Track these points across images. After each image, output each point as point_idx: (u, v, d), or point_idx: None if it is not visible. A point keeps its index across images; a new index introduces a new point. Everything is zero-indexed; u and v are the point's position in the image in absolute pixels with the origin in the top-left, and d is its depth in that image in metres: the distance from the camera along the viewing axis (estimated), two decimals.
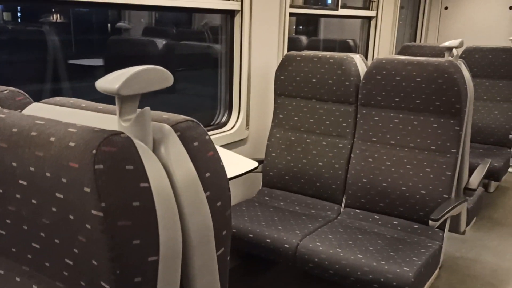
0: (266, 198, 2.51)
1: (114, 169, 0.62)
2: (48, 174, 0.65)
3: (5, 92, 0.93)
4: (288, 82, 2.49)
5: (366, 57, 3.95)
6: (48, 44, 2.15)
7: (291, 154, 2.49)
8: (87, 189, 0.61)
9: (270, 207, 2.41)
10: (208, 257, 0.75)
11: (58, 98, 0.91)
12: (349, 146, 2.37)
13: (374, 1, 3.83)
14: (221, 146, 2.38)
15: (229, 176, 1.66)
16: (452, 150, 2.14)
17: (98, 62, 2.43)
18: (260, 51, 2.59)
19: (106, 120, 0.75)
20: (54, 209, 0.66)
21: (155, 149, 0.71)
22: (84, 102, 0.86)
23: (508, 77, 3.75)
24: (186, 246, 0.72)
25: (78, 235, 0.65)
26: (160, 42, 2.71)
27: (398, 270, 1.80)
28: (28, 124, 0.70)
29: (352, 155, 2.35)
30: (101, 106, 0.83)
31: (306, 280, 2.60)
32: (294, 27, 3.84)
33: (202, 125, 0.78)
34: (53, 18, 2.21)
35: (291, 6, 2.79)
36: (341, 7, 3.50)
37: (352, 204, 2.34)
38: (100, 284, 0.65)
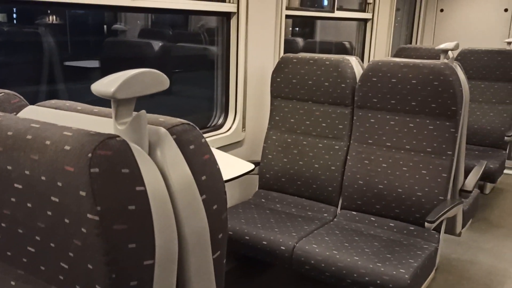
0: (262, 200, 2.51)
1: (109, 172, 0.61)
2: (43, 178, 0.65)
3: (0, 94, 0.93)
4: (285, 84, 2.49)
5: (362, 59, 3.96)
6: (44, 45, 2.15)
7: (287, 156, 2.50)
8: (82, 193, 0.61)
9: (266, 209, 2.40)
10: (204, 261, 0.75)
11: (53, 101, 0.90)
12: (345, 148, 2.38)
13: (370, 3, 3.84)
14: (218, 148, 2.38)
15: (225, 178, 1.65)
16: (448, 152, 2.15)
17: (94, 64, 2.43)
18: (257, 53, 2.59)
19: (102, 123, 0.75)
20: (49, 213, 0.66)
21: (151, 153, 0.71)
22: (79, 105, 0.86)
23: (503, 79, 3.76)
24: (182, 249, 0.71)
25: (73, 238, 0.64)
26: (156, 44, 2.71)
27: (394, 272, 1.80)
28: (23, 127, 0.70)
29: (348, 157, 2.36)
30: (96, 109, 0.83)
31: (303, 283, 2.60)
32: (291, 29, 3.84)
33: (198, 128, 0.78)
34: (48, 20, 2.21)
35: (287, 8, 2.80)
36: (337, 9, 3.51)
37: (348, 206, 2.35)
38: None
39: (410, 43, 5.01)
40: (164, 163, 0.70)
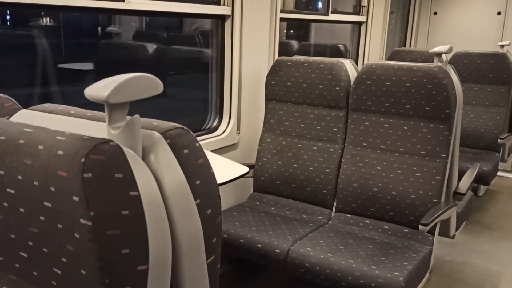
0: (257, 203, 2.51)
1: (103, 177, 0.61)
2: (36, 183, 0.64)
3: None
4: (279, 87, 2.50)
5: (357, 62, 3.98)
6: (38, 48, 2.14)
7: (282, 159, 2.50)
8: (75, 198, 0.60)
9: (261, 212, 2.40)
10: (198, 265, 0.75)
11: (46, 105, 0.90)
12: (339, 151, 2.38)
13: (365, 6, 3.85)
14: (212, 151, 2.38)
15: (220, 181, 1.65)
16: (442, 155, 2.15)
17: (88, 66, 2.42)
18: (251, 56, 2.59)
19: (95, 128, 0.75)
20: (42, 218, 0.66)
21: (144, 157, 0.70)
22: (73, 109, 0.86)
23: (496, 82, 3.79)
24: (176, 254, 0.71)
25: (66, 244, 0.64)
26: (151, 47, 2.71)
27: (388, 275, 1.81)
28: (16, 132, 0.70)
29: (343, 160, 2.36)
30: (90, 113, 0.83)
31: (297, 285, 2.60)
32: (285, 31, 3.85)
33: (192, 132, 0.77)
34: (42, 22, 2.20)
35: (281, 11, 2.80)
36: (332, 12, 3.52)
37: (343, 209, 2.35)
38: None
39: (404, 46, 5.03)
40: (158, 167, 0.70)
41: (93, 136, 0.65)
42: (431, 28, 4.96)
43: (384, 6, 4.05)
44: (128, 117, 0.69)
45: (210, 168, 0.78)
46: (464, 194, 2.30)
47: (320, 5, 3.73)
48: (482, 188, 4.01)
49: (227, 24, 2.48)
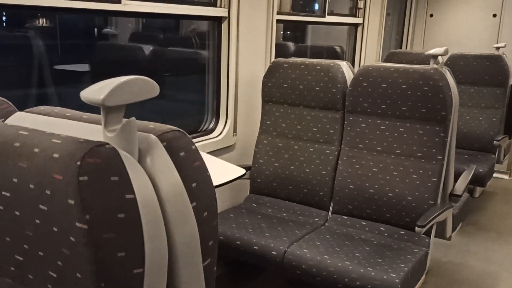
0: (253, 204, 2.51)
1: (98, 180, 0.61)
2: (31, 186, 0.64)
3: None
4: (276, 89, 2.50)
5: (353, 64, 3.98)
6: (34, 49, 2.13)
7: (278, 160, 2.50)
8: (71, 201, 0.60)
9: (257, 214, 2.40)
10: (195, 268, 0.75)
11: (42, 107, 0.90)
12: (336, 153, 2.38)
13: (361, 8, 3.86)
14: (209, 152, 2.37)
15: (216, 183, 1.65)
16: (438, 157, 2.16)
17: (85, 67, 2.42)
18: (248, 57, 2.59)
19: (91, 130, 0.75)
20: (37, 221, 0.65)
21: (140, 160, 0.70)
22: (69, 112, 0.85)
23: (492, 84, 3.80)
24: (172, 257, 0.71)
25: (62, 247, 0.64)
26: (147, 48, 2.70)
27: (385, 277, 1.81)
28: (11, 135, 0.69)
29: (339, 162, 2.36)
30: (86, 115, 0.82)
31: (294, 287, 2.59)
32: (282, 32, 3.86)
33: (188, 135, 0.77)
34: (39, 23, 2.19)
35: (278, 13, 2.81)
36: (328, 14, 3.52)
37: (339, 211, 2.35)
38: None
39: (401, 47, 5.05)
40: (154, 170, 0.70)
41: (89, 139, 0.65)
42: (427, 30, 4.98)
43: (380, 8, 4.06)
44: (124, 120, 0.69)
45: (207, 170, 0.78)
46: (460, 196, 2.31)
47: (316, 7, 3.74)
48: (478, 190, 4.02)
49: (224, 26, 2.48)
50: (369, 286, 1.80)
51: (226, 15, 2.45)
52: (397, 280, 1.79)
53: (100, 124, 0.70)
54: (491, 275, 2.78)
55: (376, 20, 4.05)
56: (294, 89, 2.46)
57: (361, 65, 3.60)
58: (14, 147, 0.67)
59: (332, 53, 4.11)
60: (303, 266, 1.95)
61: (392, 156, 2.25)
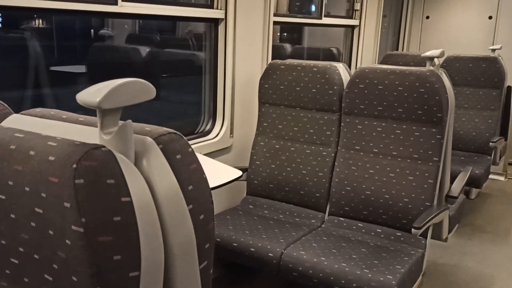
0: (250, 206, 2.51)
1: (94, 183, 0.61)
2: (27, 189, 0.64)
3: None
4: (272, 91, 2.50)
5: (350, 66, 3.99)
6: (30, 50, 2.13)
7: (275, 162, 2.50)
8: (67, 204, 0.60)
9: (254, 216, 2.40)
10: (191, 271, 0.74)
11: (38, 109, 0.89)
12: (333, 155, 2.38)
13: (358, 10, 3.87)
14: (205, 154, 2.37)
15: (213, 185, 1.65)
16: (434, 159, 2.16)
17: (81, 69, 2.41)
18: (244, 59, 2.59)
19: (87, 133, 0.74)
20: (33, 224, 0.65)
21: (137, 163, 0.70)
22: (65, 114, 0.85)
23: (488, 86, 3.81)
24: (168, 260, 0.71)
25: (57, 250, 0.63)
26: (144, 50, 2.70)
27: (381, 279, 1.81)
28: (7, 137, 0.69)
29: (336, 163, 2.36)
30: (82, 118, 0.82)
31: None
32: (279, 34, 3.86)
33: (184, 137, 0.77)
34: (35, 24, 2.19)
35: (275, 15, 2.81)
36: (325, 16, 3.53)
37: (336, 212, 2.35)
38: None
39: (397, 49, 5.06)
40: (150, 173, 0.69)
41: (85, 141, 0.65)
42: (424, 32, 4.99)
43: (377, 10, 4.07)
44: (121, 122, 0.69)
45: (203, 173, 0.78)
46: (456, 197, 2.31)
47: (313, 8, 3.74)
48: (474, 191, 4.04)
49: (221, 28, 2.48)
50: None
51: (223, 16, 2.45)
52: (393, 282, 1.79)
53: (96, 127, 0.69)
54: (488, 277, 2.78)
55: (373, 22, 4.06)
56: (290, 91, 2.46)
57: (357, 67, 3.61)
58: (10, 150, 0.67)
59: (329, 55, 4.12)
60: (300, 268, 1.95)
61: (389, 157, 2.25)
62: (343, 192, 2.32)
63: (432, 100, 2.14)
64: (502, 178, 4.56)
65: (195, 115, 2.66)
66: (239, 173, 1.89)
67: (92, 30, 2.50)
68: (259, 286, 2.65)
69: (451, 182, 2.40)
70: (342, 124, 2.37)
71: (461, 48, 4.42)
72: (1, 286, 0.75)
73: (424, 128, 2.18)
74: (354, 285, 1.82)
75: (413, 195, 2.17)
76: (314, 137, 2.43)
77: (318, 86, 2.39)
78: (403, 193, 2.19)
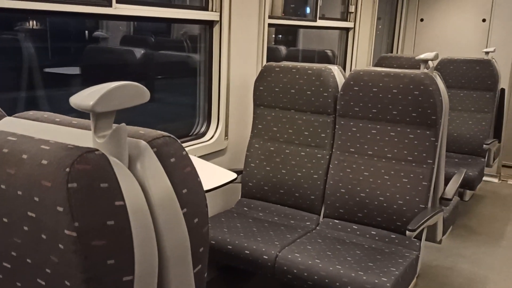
0: (245, 208, 2.51)
1: (88, 187, 0.60)
2: (19, 192, 0.63)
3: None
4: (267, 93, 2.50)
5: (344, 68, 4.00)
6: (23, 51, 2.11)
7: (270, 164, 2.50)
8: (60, 208, 0.60)
9: (249, 218, 2.40)
10: (185, 275, 0.74)
11: (31, 112, 0.89)
12: (327, 157, 2.39)
13: (352, 12, 3.88)
14: (200, 156, 2.37)
15: (207, 188, 1.65)
16: (428, 161, 2.17)
17: (75, 71, 2.40)
18: (239, 61, 2.59)
19: (81, 136, 0.74)
20: (26, 228, 0.65)
21: (131, 166, 0.70)
22: (58, 117, 0.85)
23: (482, 88, 3.84)
24: (162, 264, 0.70)
25: (50, 255, 0.63)
26: (138, 51, 2.69)
27: (376, 281, 1.81)
28: (0, 141, 0.68)
29: (330, 166, 2.37)
30: (75, 120, 0.82)
31: None
32: (274, 36, 3.86)
33: (179, 141, 0.77)
34: (29, 25, 2.18)
35: (270, 17, 2.81)
36: (320, 18, 3.54)
37: (330, 215, 2.35)
38: None
39: (391, 52, 5.08)
40: (144, 176, 0.69)
41: (78, 145, 0.64)
42: (418, 34, 5.01)
43: (371, 12, 4.08)
44: (115, 125, 0.69)
45: (197, 176, 0.77)
46: (450, 200, 2.32)
47: (308, 11, 3.75)
48: (468, 193, 4.05)
49: (215, 30, 2.48)
50: None
51: (218, 19, 2.45)
52: (388, 284, 1.79)
53: (90, 130, 0.69)
54: (482, 278, 2.79)
55: (367, 25, 4.07)
56: (285, 93, 2.46)
57: (352, 69, 3.62)
58: (2, 153, 0.66)
59: (324, 57, 4.13)
60: (295, 271, 1.95)
61: (383, 160, 2.26)
62: (338, 194, 2.32)
63: (426, 102, 2.14)
64: (495, 180, 4.58)
65: (190, 117, 2.66)
66: (234, 175, 1.88)
67: (86, 32, 2.49)
68: None
69: (445, 184, 2.41)
70: (336, 126, 2.37)
71: (455, 51, 4.44)
72: None
73: (418, 131, 2.19)
74: (349, 287, 1.83)
75: (407, 197, 2.17)
76: (309, 140, 2.43)
77: (313, 88, 2.39)
78: (397, 195, 2.19)
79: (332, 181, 2.34)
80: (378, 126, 2.27)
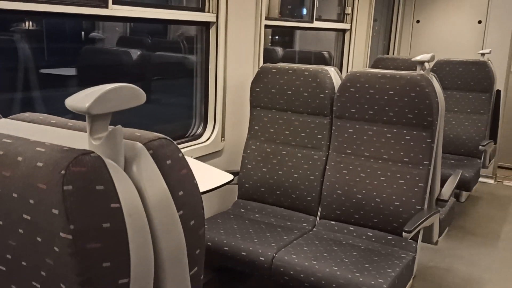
0: (241, 210, 2.50)
1: (83, 190, 0.60)
2: (15, 195, 0.63)
3: None
4: (264, 94, 2.50)
5: (341, 69, 4.01)
6: (19, 52, 2.11)
7: (266, 166, 2.50)
8: (55, 211, 0.59)
9: (245, 219, 2.40)
10: (181, 278, 0.74)
11: (27, 114, 0.88)
12: (324, 158, 2.39)
13: (349, 14, 3.89)
14: (196, 158, 2.36)
15: (204, 189, 1.64)
16: (425, 162, 2.18)
17: (71, 71, 2.39)
18: (236, 63, 2.59)
19: (76, 138, 0.74)
20: (21, 231, 0.64)
21: (126, 168, 0.69)
22: (54, 119, 0.84)
23: (477, 90, 3.85)
24: (158, 267, 0.70)
25: (46, 257, 0.63)
26: (135, 53, 2.69)
27: (372, 282, 1.81)
28: None
29: (327, 167, 2.37)
30: (71, 122, 0.81)
31: None
32: (270, 37, 3.86)
33: (175, 143, 0.77)
34: (25, 26, 2.17)
35: (266, 19, 2.81)
36: (316, 19, 3.54)
37: (327, 216, 2.35)
38: None
39: (388, 53, 5.09)
40: (140, 179, 0.69)
41: (74, 147, 0.64)
42: (414, 36, 5.03)
43: (367, 13, 4.09)
44: (110, 127, 0.68)
45: (194, 178, 0.77)
46: (446, 201, 2.33)
47: (304, 12, 3.76)
48: (464, 194, 4.07)
49: (212, 31, 2.47)
50: None
51: (214, 20, 2.45)
52: (384, 286, 1.79)
53: (86, 132, 0.69)
54: (478, 279, 2.80)
55: (364, 26, 4.08)
56: (282, 95, 2.46)
57: (348, 70, 3.63)
58: None
59: (320, 59, 4.13)
60: (291, 272, 1.95)
61: (380, 161, 2.26)
62: (335, 196, 2.32)
63: (423, 104, 2.15)
64: (491, 181, 4.60)
65: (187, 118, 2.66)
66: (230, 177, 1.88)
67: (82, 33, 2.49)
68: None
69: (442, 185, 2.42)
70: (333, 127, 2.37)
71: (451, 52, 4.46)
72: None
73: (414, 132, 2.19)
74: None
75: (404, 199, 2.18)
76: (306, 141, 2.43)
77: (310, 90, 2.39)
78: (394, 197, 2.20)
79: (329, 183, 2.34)
80: (375, 128, 2.28)
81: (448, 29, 4.81)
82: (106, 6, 1.93)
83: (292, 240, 2.17)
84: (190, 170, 0.77)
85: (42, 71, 2.26)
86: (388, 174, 2.23)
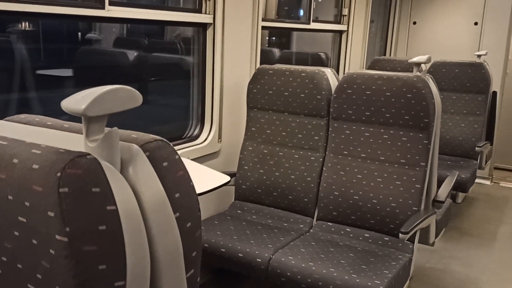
0: (238, 211, 2.50)
1: (79, 192, 0.60)
2: (10, 197, 0.63)
3: None
4: (261, 95, 2.50)
5: (338, 70, 4.01)
6: (16, 53, 2.10)
7: (263, 167, 2.50)
8: (51, 213, 0.59)
9: (242, 221, 2.39)
10: (177, 280, 0.74)
11: (23, 116, 0.88)
12: (321, 159, 2.39)
13: (345, 15, 3.90)
14: (193, 159, 2.36)
15: (201, 190, 1.64)
16: (421, 164, 2.18)
17: (68, 72, 2.39)
18: (233, 64, 2.59)
19: (72, 140, 0.73)
20: (16, 233, 0.64)
21: (123, 170, 0.69)
22: (50, 120, 0.84)
23: (474, 91, 3.86)
24: (155, 269, 0.70)
25: (41, 260, 0.62)
26: (131, 54, 2.68)
27: (369, 283, 1.81)
28: None
29: (324, 168, 2.37)
30: (67, 124, 0.81)
31: None
32: (267, 38, 3.87)
33: (171, 144, 0.77)
34: (21, 27, 2.16)
35: (263, 20, 2.81)
36: (313, 21, 3.54)
37: (324, 217, 2.35)
38: None
39: (384, 54, 5.10)
40: (137, 181, 0.69)
41: (70, 149, 0.64)
42: (411, 37, 5.04)
43: (364, 15, 4.10)
44: (107, 129, 0.68)
45: (190, 180, 0.77)
46: (443, 202, 2.33)
47: (301, 13, 3.76)
48: (461, 195, 4.07)
49: (209, 32, 2.47)
50: None
51: (211, 21, 2.45)
52: (381, 287, 1.79)
53: (82, 134, 0.69)
54: (474, 281, 2.81)
55: (360, 27, 4.09)
56: (279, 96, 2.46)
57: (345, 72, 3.63)
58: None
59: (317, 60, 4.14)
60: (288, 273, 1.95)
61: (376, 162, 2.26)
62: (331, 197, 2.32)
63: (419, 105, 2.15)
64: (488, 182, 4.61)
65: (183, 120, 2.65)
66: (227, 178, 1.88)
67: (79, 34, 2.48)
68: None
69: (438, 186, 2.42)
70: (330, 129, 2.38)
71: (447, 54, 4.47)
72: None
73: (411, 133, 2.20)
74: None
75: (400, 200, 2.18)
76: (302, 142, 2.43)
77: (307, 91, 2.39)
78: (390, 198, 2.20)
79: (326, 184, 2.34)
80: (371, 129, 2.28)
81: (445, 30, 4.82)
82: (103, 7, 1.93)
83: (289, 242, 2.17)
84: (187, 172, 0.77)
85: (39, 72, 2.25)
86: (385, 175, 2.23)
